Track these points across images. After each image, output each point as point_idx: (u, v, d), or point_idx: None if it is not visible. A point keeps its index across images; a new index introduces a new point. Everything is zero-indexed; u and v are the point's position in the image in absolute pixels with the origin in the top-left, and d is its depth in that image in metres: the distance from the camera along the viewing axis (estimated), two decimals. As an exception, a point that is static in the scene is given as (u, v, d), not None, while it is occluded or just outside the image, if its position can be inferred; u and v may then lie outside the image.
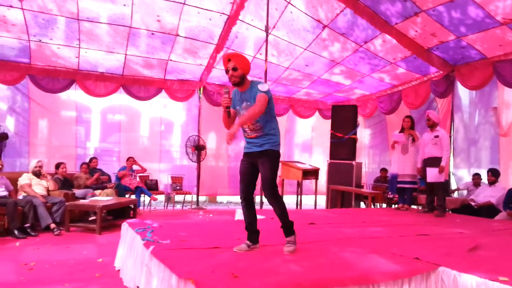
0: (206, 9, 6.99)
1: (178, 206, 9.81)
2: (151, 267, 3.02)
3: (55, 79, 8.78)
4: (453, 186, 8.13)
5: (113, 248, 4.44)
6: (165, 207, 9.64)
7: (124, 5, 6.78)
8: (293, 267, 2.80)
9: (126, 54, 8.42)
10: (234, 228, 4.28)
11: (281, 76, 9.50)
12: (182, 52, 8.47)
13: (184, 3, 6.78)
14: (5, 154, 7.95)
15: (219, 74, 9.41)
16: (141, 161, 9.17)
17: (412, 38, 7.05)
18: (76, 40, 7.74)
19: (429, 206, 6.50)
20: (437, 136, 6.27)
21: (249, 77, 3.36)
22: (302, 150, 12.17)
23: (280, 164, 3.32)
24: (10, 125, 8.70)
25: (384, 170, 9.69)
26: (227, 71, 3.26)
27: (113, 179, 8.82)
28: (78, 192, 7.37)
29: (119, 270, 4.05)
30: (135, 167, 9.01)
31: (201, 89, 10.17)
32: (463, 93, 8.18)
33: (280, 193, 3.38)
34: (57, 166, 7.55)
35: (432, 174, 6.24)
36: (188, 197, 9.89)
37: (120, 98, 9.69)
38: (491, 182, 6.99)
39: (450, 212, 6.95)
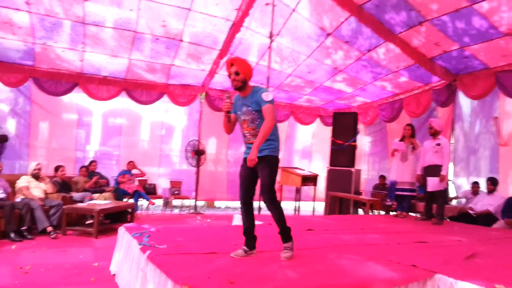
0: (212, 15, 7.01)
1: (176, 211, 9.79)
2: (147, 272, 3.00)
3: (58, 82, 8.80)
4: (452, 194, 8.11)
5: (110, 252, 4.41)
6: (163, 212, 9.62)
7: (131, 10, 6.80)
8: (289, 274, 2.78)
9: (130, 58, 8.44)
10: (232, 234, 4.27)
11: (283, 83, 9.51)
12: (185, 57, 8.49)
13: (190, 9, 6.81)
14: (5, 156, 7.95)
15: (221, 80, 9.42)
16: (140, 165, 9.17)
17: (416, 47, 7.06)
18: (81, 44, 7.76)
19: (427, 214, 6.49)
20: (438, 144, 6.26)
21: (251, 83, 3.37)
22: (302, 157, 12.17)
23: (279, 170, 3.31)
24: (11, 127, 8.71)
25: (382, 177, 9.67)
26: (229, 75, 3.28)
27: (112, 182, 8.82)
28: (76, 195, 7.35)
29: (114, 274, 4.03)
30: (134, 171, 9.01)
31: (203, 94, 10.18)
32: (464, 102, 8.18)
33: (278, 198, 3.37)
34: (56, 169, 7.55)
35: (433, 184, 6.22)
36: (186, 202, 9.87)
37: (122, 101, 9.69)
38: (490, 191, 6.98)
39: (448, 220, 6.92)
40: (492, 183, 6.98)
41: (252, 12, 6.80)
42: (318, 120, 11.84)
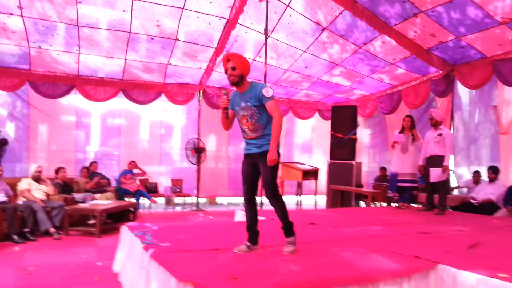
0: (205, 14, 7.00)
1: (178, 208, 9.80)
2: (150, 270, 3.01)
3: (55, 84, 8.80)
4: (453, 184, 8.12)
5: (113, 251, 4.43)
6: (165, 210, 9.63)
7: (124, 10, 6.79)
8: (293, 268, 2.78)
9: (125, 59, 8.43)
10: (234, 230, 4.28)
11: (280, 78, 9.51)
12: (181, 56, 8.49)
13: (183, 8, 6.79)
14: (5, 159, 7.96)
15: (218, 77, 9.42)
16: (141, 164, 9.19)
17: (412, 38, 7.04)
18: (75, 46, 7.75)
19: (428, 205, 6.48)
20: (440, 135, 6.24)
21: (248, 79, 3.36)
22: (302, 151, 12.18)
23: (280, 165, 3.31)
24: (10, 130, 8.72)
25: (383, 169, 9.68)
26: (226, 71, 3.27)
27: (113, 182, 8.82)
28: (77, 196, 7.37)
29: (118, 273, 4.04)
30: (135, 170, 9.02)
31: (201, 92, 10.18)
32: (463, 92, 8.17)
33: (280, 193, 3.37)
34: (57, 170, 7.56)
35: (435, 174, 6.20)
36: (188, 199, 9.88)
37: (120, 102, 9.70)
38: (491, 180, 6.99)
39: (451, 209, 6.93)
40: (493, 171, 6.98)
41: (246, 9, 6.78)
42: (317, 114, 11.83)
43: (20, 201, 6.28)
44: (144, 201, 8.92)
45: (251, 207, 3.39)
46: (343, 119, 9.30)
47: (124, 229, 4.22)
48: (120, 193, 8.26)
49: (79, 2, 6.44)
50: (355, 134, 9.20)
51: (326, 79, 9.49)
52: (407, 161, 6.67)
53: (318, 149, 12.14)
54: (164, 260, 2.89)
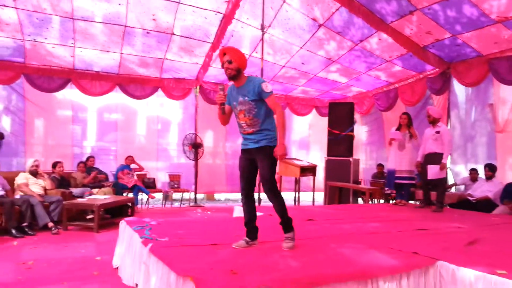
0: (201, 8, 6.97)
1: (176, 204, 9.80)
2: (150, 265, 3.02)
3: (50, 78, 8.74)
4: (451, 181, 8.16)
5: (111, 246, 4.43)
6: (163, 205, 9.64)
7: (119, 4, 6.75)
8: (292, 263, 2.80)
9: (121, 53, 8.39)
10: (233, 225, 4.28)
11: (277, 74, 9.50)
12: (178, 50, 8.45)
13: (179, 2, 6.77)
14: (1, 153, 7.92)
15: (215, 73, 9.40)
16: (138, 160, 9.17)
17: (408, 36, 7.07)
18: (71, 39, 7.70)
19: (425, 202, 6.51)
20: (438, 132, 6.24)
21: (245, 74, 3.34)
22: (300, 147, 12.20)
23: (277, 161, 3.31)
24: (6, 124, 8.68)
25: (380, 166, 9.71)
26: (222, 65, 3.26)
27: (110, 177, 8.80)
28: (75, 190, 7.36)
29: (117, 268, 4.05)
30: (133, 165, 9.01)
31: (198, 87, 10.16)
32: (459, 90, 8.21)
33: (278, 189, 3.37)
34: (54, 165, 7.53)
35: (433, 172, 6.21)
36: (186, 195, 9.89)
37: (117, 97, 9.66)
38: (488, 177, 7.03)
39: (448, 207, 6.98)
40: (490, 169, 7.03)
41: (242, 4, 6.77)
42: (314, 111, 11.85)
43: (18, 195, 6.26)
44: (142, 196, 8.90)
45: (248, 203, 3.39)
46: (340, 116, 9.33)
47: (122, 224, 4.22)
48: (118, 188, 8.26)
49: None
50: (352, 131, 9.22)
51: (323, 76, 9.50)
52: (404, 158, 6.69)
53: (315, 146, 12.15)
54: (163, 254, 2.90)
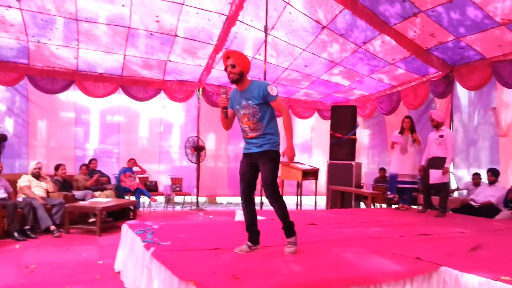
0: (205, 10, 6.99)
1: (178, 207, 9.80)
2: (152, 269, 3.01)
3: (54, 79, 8.76)
4: (453, 186, 8.13)
5: (114, 250, 4.42)
6: (165, 208, 9.63)
7: (123, 5, 6.77)
8: (294, 268, 2.79)
9: (125, 55, 8.41)
10: (235, 229, 4.27)
11: (280, 77, 9.50)
12: (181, 52, 8.47)
13: (183, 4, 6.78)
14: (4, 155, 7.91)
15: (218, 75, 9.40)
16: (140, 162, 9.17)
17: (411, 38, 7.05)
18: (74, 41, 7.73)
19: (426, 206, 6.48)
20: (441, 136, 6.21)
21: (248, 77, 3.33)
22: (302, 151, 12.14)
23: (280, 164, 3.31)
24: (9, 126, 8.69)
25: (382, 170, 9.68)
26: (225, 68, 3.24)
27: (113, 180, 8.81)
28: (77, 193, 7.35)
29: (119, 272, 4.04)
30: (135, 168, 9.01)
31: (200, 90, 10.17)
32: (462, 93, 8.18)
33: (280, 193, 3.36)
34: (56, 167, 7.54)
35: (435, 176, 6.19)
36: (188, 198, 9.89)
37: (119, 99, 9.67)
38: (491, 182, 6.99)
39: (451, 212, 6.95)
40: (493, 174, 6.99)
41: (246, 6, 6.78)
42: (316, 114, 11.84)
43: (20, 198, 6.26)
44: (143, 199, 8.91)
45: (249, 207, 3.37)
46: (342, 119, 9.30)
47: (125, 228, 4.21)
48: (120, 191, 8.25)
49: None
50: (354, 134, 9.21)
51: (326, 78, 9.49)
52: (407, 162, 6.66)
53: (317, 149, 12.14)
54: (166, 259, 2.89)
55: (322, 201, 9.67)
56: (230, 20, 7.22)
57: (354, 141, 9.24)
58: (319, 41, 7.68)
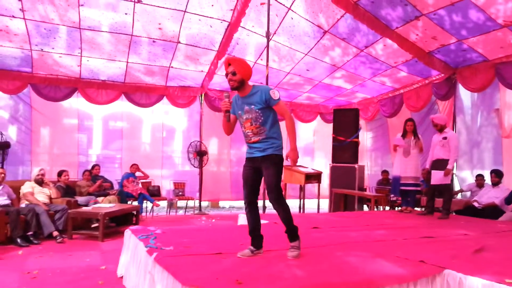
0: (207, 17, 7.01)
1: (181, 212, 9.80)
2: (155, 274, 3.00)
3: (57, 87, 8.81)
4: (457, 187, 8.10)
5: (116, 255, 4.42)
6: (168, 213, 9.64)
7: (126, 13, 6.80)
8: (297, 272, 2.77)
9: (127, 62, 8.45)
10: (237, 234, 4.26)
11: (282, 81, 9.51)
12: (183, 59, 8.50)
13: (185, 11, 6.81)
14: (7, 162, 7.95)
15: (220, 80, 9.43)
16: (143, 168, 9.19)
17: (413, 41, 7.05)
18: (77, 49, 7.77)
19: (428, 208, 6.46)
20: (445, 138, 6.19)
21: (250, 82, 3.34)
22: (304, 154, 12.14)
23: (283, 169, 3.30)
24: (12, 133, 8.72)
25: (385, 172, 9.66)
26: (226, 75, 3.25)
27: (115, 186, 8.82)
28: (80, 199, 7.36)
29: (122, 277, 4.04)
30: (137, 174, 9.03)
31: (203, 95, 10.19)
32: (465, 95, 8.17)
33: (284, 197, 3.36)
34: (59, 174, 7.55)
35: (437, 177, 6.18)
36: (191, 203, 9.88)
37: (122, 105, 9.71)
38: (495, 183, 6.96)
39: (454, 213, 6.91)
40: (497, 175, 6.96)
41: (248, 12, 6.79)
42: (318, 117, 11.84)
43: (23, 204, 6.28)
44: (146, 204, 8.91)
45: (252, 211, 3.36)
46: (345, 122, 9.30)
47: (127, 233, 4.21)
48: (123, 196, 8.26)
49: (81, 5, 6.46)
50: (357, 137, 9.20)
51: (328, 82, 9.50)
52: (410, 165, 6.63)
53: (320, 152, 12.12)
54: (168, 264, 2.89)
55: (325, 204, 9.64)
56: (232, 27, 7.24)
57: (356, 144, 9.23)
58: (321, 46, 7.69)
